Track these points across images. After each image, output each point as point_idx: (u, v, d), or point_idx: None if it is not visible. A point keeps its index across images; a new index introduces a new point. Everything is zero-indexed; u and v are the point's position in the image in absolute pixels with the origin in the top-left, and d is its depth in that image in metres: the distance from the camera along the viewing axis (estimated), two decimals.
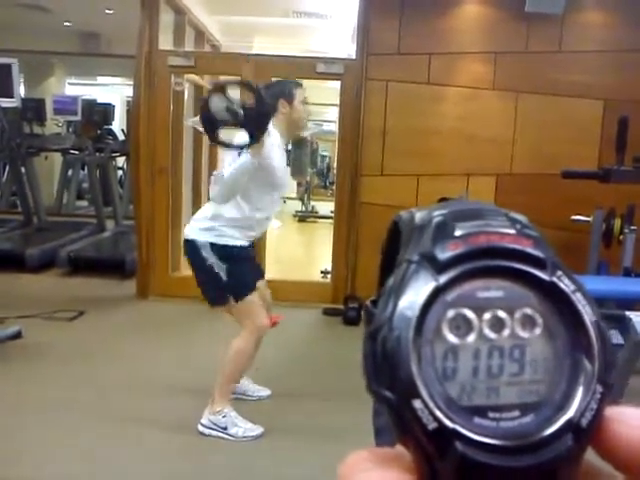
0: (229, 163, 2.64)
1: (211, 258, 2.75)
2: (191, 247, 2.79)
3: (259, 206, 2.83)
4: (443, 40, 4.88)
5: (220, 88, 2.58)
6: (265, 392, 3.30)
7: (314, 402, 3.31)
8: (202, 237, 2.77)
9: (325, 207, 9.76)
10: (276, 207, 3.06)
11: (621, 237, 4.22)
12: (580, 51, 4.85)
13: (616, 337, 2.68)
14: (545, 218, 4.85)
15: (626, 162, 3.67)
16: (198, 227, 2.81)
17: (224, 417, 2.85)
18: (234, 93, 2.63)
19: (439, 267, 0.24)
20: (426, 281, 0.24)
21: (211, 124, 2.53)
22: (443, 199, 3.81)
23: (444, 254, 0.24)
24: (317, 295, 5.11)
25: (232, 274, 2.77)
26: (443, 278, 0.24)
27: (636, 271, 4.02)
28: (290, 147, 7.22)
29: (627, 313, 2.60)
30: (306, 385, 3.55)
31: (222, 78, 2.76)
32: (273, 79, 3.39)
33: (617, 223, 4.27)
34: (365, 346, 0.25)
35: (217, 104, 2.50)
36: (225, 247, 2.76)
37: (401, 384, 0.23)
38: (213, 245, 2.75)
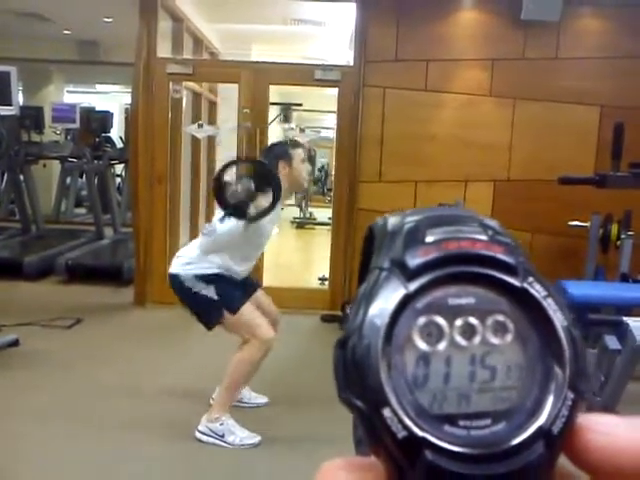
0: (219, 219, 2.73)
1: (197, 286, 2.82)
2: (176, 280, 2.87)
3: (244, 259, 2.94)
4: (440, 47, 4.89)
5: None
6: (262, 399, 3.29)
7: (312, 410, 3.29)
8: (185, 271, 2.84)
9: (323, 214, 9.74)
10: (259, 254, 3.15)
11: (618, 242, 4.22)
12: (576, 58, 4.87)
13: (613, 343, 2.68)
14: (542, 224, 4.87)
15: (622, 168, 3.67)
16: (181, 263, 2.88)
17: (221, 425, 2.84)
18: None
19: (409, 274, 0.24)
20: (396, 288, 0.24)
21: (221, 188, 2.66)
22: (441, 205, 3.81)
23: (414, 261, 0.24)
24: (315, 302, 5.10)
25: (221, 291, 2.82)
26: (413, 285, 0.24)
27: (633, 276, 4.02)
28: None
29: (624, 319, 2.59)
30: (304, 392, 3.54)
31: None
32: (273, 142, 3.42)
33: (614, 228, 4.27)
34: (335, 354, 0.24)
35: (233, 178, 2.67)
36: (209, 274, 2.83)
37: (370, 393, 0.23)
38: (196, 276, 2.82)
